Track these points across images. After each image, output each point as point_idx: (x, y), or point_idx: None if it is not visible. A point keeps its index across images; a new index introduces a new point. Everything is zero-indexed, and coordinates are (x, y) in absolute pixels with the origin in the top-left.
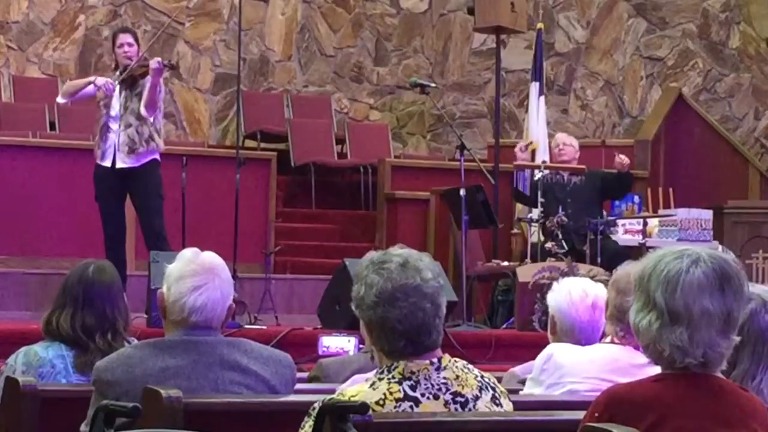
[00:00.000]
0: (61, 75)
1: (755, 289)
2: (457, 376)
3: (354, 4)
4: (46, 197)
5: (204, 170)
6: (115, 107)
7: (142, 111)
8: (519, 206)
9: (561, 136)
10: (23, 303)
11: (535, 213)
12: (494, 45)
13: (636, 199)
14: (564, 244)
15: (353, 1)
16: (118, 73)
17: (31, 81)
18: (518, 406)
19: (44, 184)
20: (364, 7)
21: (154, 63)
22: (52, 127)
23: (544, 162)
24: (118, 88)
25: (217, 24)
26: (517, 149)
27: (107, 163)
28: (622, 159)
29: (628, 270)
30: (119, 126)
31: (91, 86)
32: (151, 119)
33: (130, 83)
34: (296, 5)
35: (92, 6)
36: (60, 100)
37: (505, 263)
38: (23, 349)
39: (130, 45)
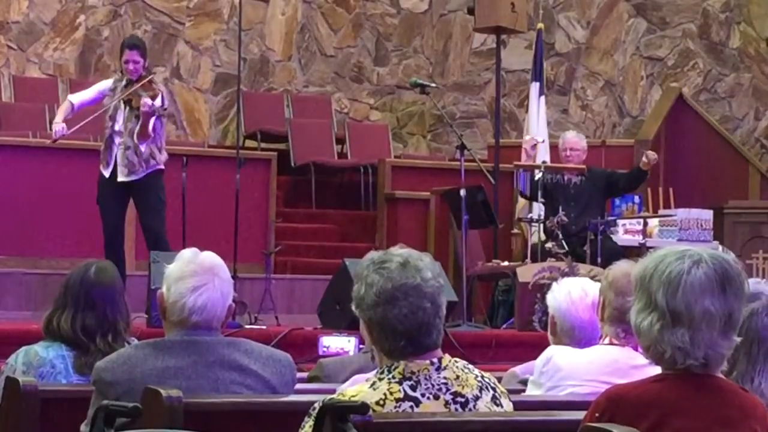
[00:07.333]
0: (61, 75)
1: (765, 287)
2: (458, 376)
3: (354, 4)
4: (46, 197)
5: (204, 170)
6: (119, 122)
7: (135, 138)
8: (519, 206)
9: (569, 139)
10: (23, 303)
11: (536, 213)
12: (494, 45)
13: (636, 199)
14: (564, 244)
15: (353, 1)
16: (124, 83)
17: (31, 81)
18: (518, 406)
19: (44, 184)
20: (364, 7)
21: (144, 106)
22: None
23: (544, 162)
24: (122, 102)
25: (218, 24)
26: (527, 146)
27: (108, 174)
28: (654, 156)
29: (626, 270)
30: (120, 142)
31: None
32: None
33: (132, 102)
34: (296, 5)
35: (92, 6)
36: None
37: (505, 263)
38: (23, 349)
39: (135, 62)
